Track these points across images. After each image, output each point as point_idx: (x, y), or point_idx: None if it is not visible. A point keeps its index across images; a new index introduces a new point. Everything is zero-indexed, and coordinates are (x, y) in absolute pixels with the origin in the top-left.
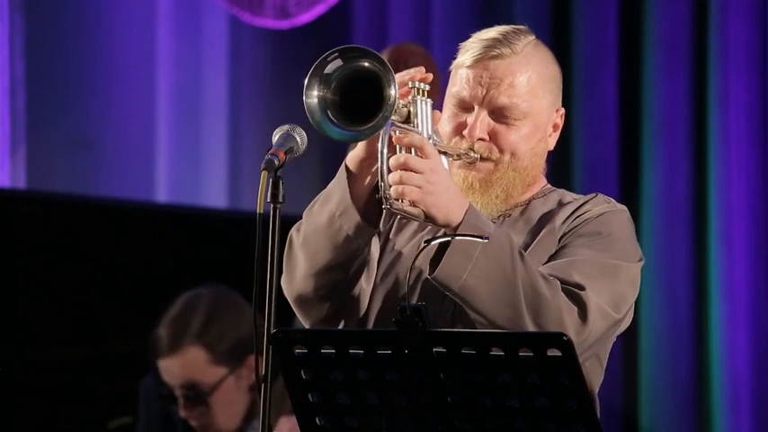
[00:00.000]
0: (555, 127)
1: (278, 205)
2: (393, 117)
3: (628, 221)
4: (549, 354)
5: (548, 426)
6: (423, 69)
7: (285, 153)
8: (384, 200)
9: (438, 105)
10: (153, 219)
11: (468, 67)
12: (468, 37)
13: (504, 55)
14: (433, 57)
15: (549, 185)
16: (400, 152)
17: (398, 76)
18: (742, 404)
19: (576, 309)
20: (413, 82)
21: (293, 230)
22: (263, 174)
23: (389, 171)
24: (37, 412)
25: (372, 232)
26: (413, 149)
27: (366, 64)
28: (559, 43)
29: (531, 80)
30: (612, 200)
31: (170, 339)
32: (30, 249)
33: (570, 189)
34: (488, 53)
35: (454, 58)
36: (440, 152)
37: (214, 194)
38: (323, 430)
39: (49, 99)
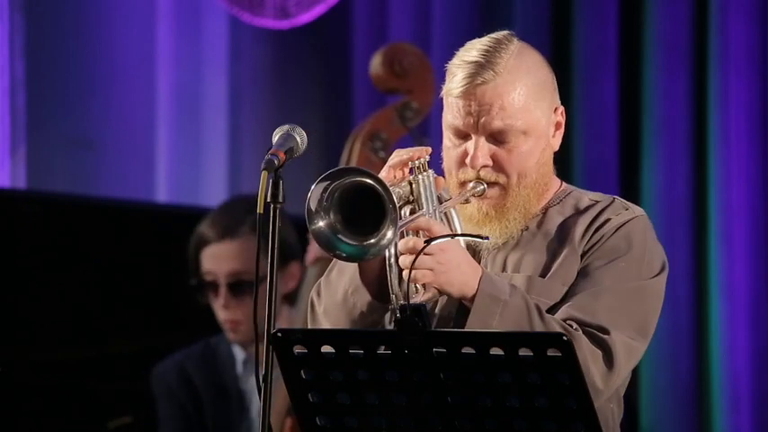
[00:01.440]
0: (557, 126)
1: (278, 205)
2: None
3: (647, 228)
4: (549, 354)
5: (548, 426)
6: (422, 150)
7: (285, 153)
8: (394, 312)
9: (436, 105)
10: (153, 219)
11: (457, 96)
12: (467, 39)
13: (488, 81)
14: (426, 55)
15: (563, 186)
16: (407, 236)
17: (397, 153)
18: (742, 404)
19: (600, 354)
20: (412, 161)
21: (313, 293)
22: (263, 174)
23: (399, 281)
24: (37, 412)
25: (386, 308)
26: (420, 232)
27: (362, 179)
28: (559, 43)
29: (521, 96)
30: (630, 205)
31: (226, 224)
32: (30, 249)
33: None
34: (473, 82)
35: (454, 55)
36: (450, 206)
37: (214, 194)
38: (323, 430)
39: (49, 99)
